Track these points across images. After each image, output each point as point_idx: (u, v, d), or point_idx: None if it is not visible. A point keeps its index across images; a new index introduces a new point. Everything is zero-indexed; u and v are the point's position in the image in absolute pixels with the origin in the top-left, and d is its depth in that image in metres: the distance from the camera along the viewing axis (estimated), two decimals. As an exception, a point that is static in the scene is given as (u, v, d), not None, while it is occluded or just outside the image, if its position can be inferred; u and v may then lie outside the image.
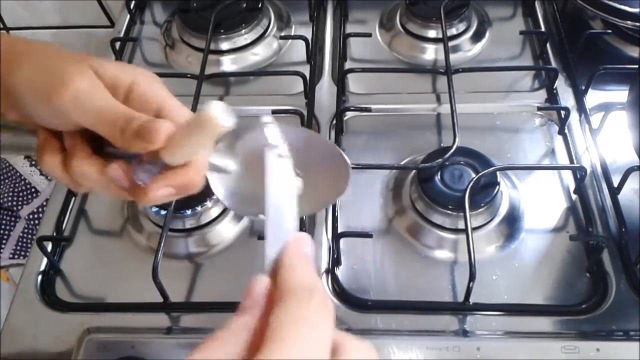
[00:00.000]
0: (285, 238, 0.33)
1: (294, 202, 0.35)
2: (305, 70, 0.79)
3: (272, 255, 0.32)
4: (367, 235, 0.62)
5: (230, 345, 0.27)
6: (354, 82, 0.81)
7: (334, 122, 0.75)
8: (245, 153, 0.40)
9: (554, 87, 0.77)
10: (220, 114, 0.34)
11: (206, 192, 0.65)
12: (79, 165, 0.38)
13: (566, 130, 0.73)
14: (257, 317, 0.28)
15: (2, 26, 1.10)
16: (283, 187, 0.36)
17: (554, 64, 0.81)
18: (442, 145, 0.71)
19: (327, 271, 0.62)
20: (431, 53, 0.85)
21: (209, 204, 0.65)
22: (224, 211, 0.66)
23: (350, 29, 0.88)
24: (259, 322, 0.28)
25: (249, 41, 0.86)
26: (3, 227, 0.99)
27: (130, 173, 0.38)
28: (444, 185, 0.64)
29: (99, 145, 0.39)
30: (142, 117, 0.36)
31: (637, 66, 0.69)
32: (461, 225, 0.61)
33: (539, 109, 0.76)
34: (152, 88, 0.39)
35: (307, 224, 0.64)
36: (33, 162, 1.01)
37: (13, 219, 1.00)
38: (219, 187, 0.41)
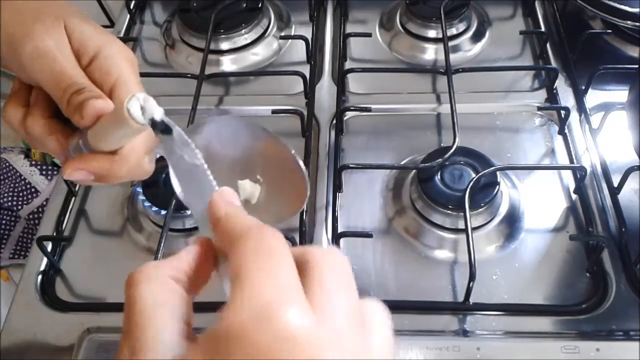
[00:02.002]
0: (207, 199, 0.32)
1: (205, 168, 0.33)
2: (305, 70, 0.79)
3: (202, 220, 0.31)
4: (367, 235, 0.62)
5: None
6: (354, 82, 0.81)
7: (334, 122, 0.75)
8: (205, 147, 0.38)
9: (554, 87, 0.77)
10: (136, 110, 0.31)
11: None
12: (31, 125, 0.38)
13: (566, 130, 0.73)
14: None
15: (2, 26, 1.10)
16: (186, 160, 0.34)
17: (554, 64, 0.81)
18: (442, 145, 0.71)
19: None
20: (431, 53, 0.85)
21: (209, 204, 0.65)
22: (224, 211, 0.66)
23: (350, 28, 0.88)
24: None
25: (249, 41, 0.86)
26: (3, 227, 0.99)
27: (64, 148, 0.37)
28: (444, 185, 0.64)
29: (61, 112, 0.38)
30: (91, 91, 0.35)
31: (637, 66, 0.68)
32: (461, 225, 0.61)
33: (539, 108, 0.76)
34: (116, 61, 0.38)
35: (307, 224, 0.64)
36: (33, 162, 1.01)
37: (13, 219, 1.00)
38: (177, 177, 0.39)
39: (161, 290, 0.27)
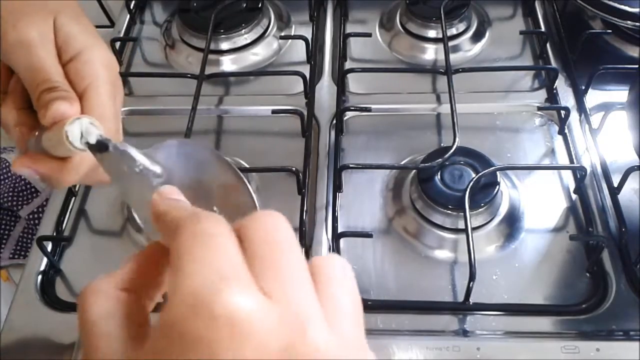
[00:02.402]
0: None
1: (148, 174, 0.33)
2: (305, 70, 0.79)
3: (148, 225, 0.31)
4: (367, 235, 0.62)
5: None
6: (354, 82, 0.81)
7: (334, 122, 0.75)
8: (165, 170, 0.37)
9: (554, 87, 0.77)
10: (75, 134, 0.32)
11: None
12: (5, 112, 0.38)
13: (566, 130, 0.73)
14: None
15: (2, 26, 1.10)
16: (126, 171, 0.33)
17: (554, 64, 0.81)
18: (442, 145, 0.71)
19: (327, 271, 0.62)
20: (431, 53, 0.85)
21: (209, 204, 0.65)
22: (224, 211, 0.66)
23: (350, 28, 0.88)
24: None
25: (249, 41, 0.86)
26: (3, 227, 0.99)
27: (25, 141, 0.37)
28: (444, 185, 0.64)
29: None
30: (62, 93, 0.35)
31: (637, 66, 0.68)
32: (461, 225, 0.61)
33: (539, 108, 0.76)
34: (94, 66, 0.38)
35: (307, 224, 0.64)
36: (33, 162, 1.01)
37: (13, 219, 1.00)
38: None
39: (106, 302, 0.27)
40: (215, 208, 0.35)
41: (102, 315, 0.27)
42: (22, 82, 0.38)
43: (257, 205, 0.36)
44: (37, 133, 0.36)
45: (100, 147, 0.32)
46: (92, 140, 0.32)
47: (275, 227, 0.25)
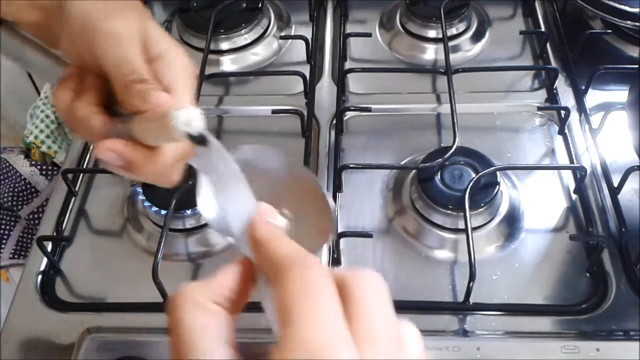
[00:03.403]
0: (247, 216, 0.31)
1: (244, 183, 0.33)
2: (305, 70, 0.79)
3: (241, 237, 0.31)
4: (367, 235, 0.62)
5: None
6: (354, 82, 0.81)
7: (334, 122, 0.75)
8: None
9: (554, 87, 0.77)
10: (181, 122, 0.32)
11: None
12: (77, 107, 0.39)
13: (566, 130, 0.73)
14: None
15: (2, 26, 1.10)
16: (224, 174, 0.34)
17: (554, 64, 0.81)
18: (442, 145, 0.71)
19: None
20: (431, 53, 0.85)
21: (209, 204, 0.65)
22: (224, 211, 0.66)
23: (350, 28, 0.88)
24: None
25: (249, 41, 0.86)
26: (3, 227, 0.99)
27: (108, 129, 0.38)
28: (444, 185, 0.64)
29: (111, 103, 0.40)
30: (152, 84, 0.37)
31: (637, 66, 0.68)
32: (461, 225, 0.61)
33: (539, 109, 0.76)
34: (173, 68, 0.39)
35: (307, 224, 0.64)
36: (33, 162, 1.01)
37: (13, 219, 1.00)
38: (206, 195, 0.38)
39: (203, 314, 0.28)
40: (285, 210, 0.36)
41: (196, 328, 0.27)
42: (96, 82, 0.39)
43: (334, 212, 0.37)
44: (119, 123, 0.37)
45: (200, 140, 0.33)
46: (194, 131, 0.32)
47: (383, 287, 0.27)
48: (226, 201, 0.34)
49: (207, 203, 0.38)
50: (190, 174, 0.38)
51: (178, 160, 0.38)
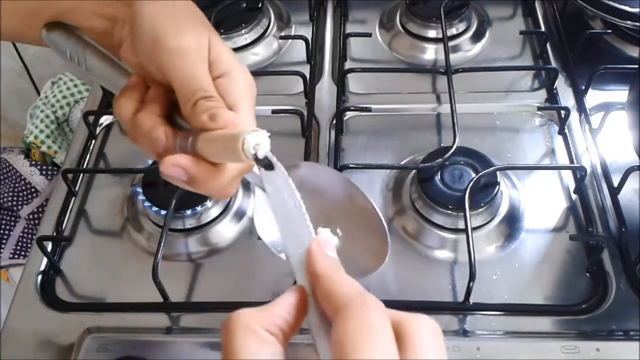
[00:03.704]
0: (305, 244, 0.32)
1: (303, 210, 0.34)
2: (305, 70, 0.79)
3: (298, 265, 0.32)
4: (367, 235, 0.62)
5: None
6: (354, 82, 0.81)
7: (334, 122, 0.75)
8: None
9: (554, 87, 0.77)
10: (250, 145, 0.32)
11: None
12: (142, 118, 0.38)
13: (566, 130, 0.73)
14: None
15: (2, 26, 1.10)
16: (285, 198, 0.34)
17: (554, 64, 0.81)
18: (442, 145, 0.71)
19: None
20: (431, 53, 0.85)
21: (209, 204, 0.65)
22: (224, 211, 0.66)
23: (350, 28, 0.88)
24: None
25: (249, 41, 0.86)
26: (3, 227, 0.99)
27: (171, 142, 0.38)
28: (444, 185, 0.64)
29: (173, 115, 0.40)
30: (220, 102, 0.37)
31: (637, 66, 0.68)
32: (461, 225, 0.61)
33: (539, 109, 0.76)
34: (240, 86, 0.40)
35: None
36: (33, 162, 1.01)
37: (13, 219, 1.00)
38: (261, 211, 0.39)
39: (255, 342, 0.29)
40: (338, 230, 0.37)
41: (248, 354, 0.28)
42: (160, 93, 0.39)
43: (386, 232, 0.38)
44: (183, 137, 0.37)
45: (267, 165, 0.34)
46: (261, 154, 0.33)
47: (437, 331, 0.29)
48: (284, 222, 0.34)
49: (264, 221, 0.39)
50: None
51: (239, 175, 0.38)
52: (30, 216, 0.98)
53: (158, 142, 0.38)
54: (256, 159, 0.33)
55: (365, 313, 0.28)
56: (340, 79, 0.79)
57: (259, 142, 0.33)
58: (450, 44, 0.81)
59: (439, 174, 0.65)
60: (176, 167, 0.36)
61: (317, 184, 0.39)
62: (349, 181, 0.40)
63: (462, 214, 0.60)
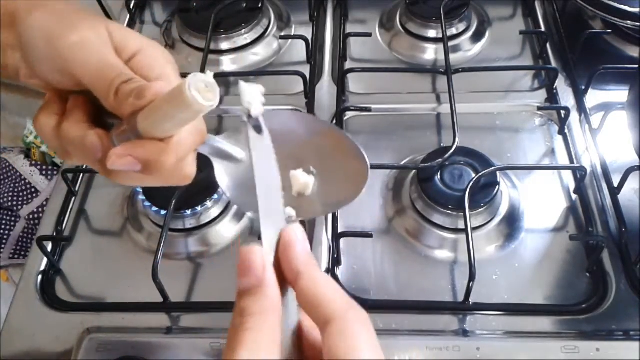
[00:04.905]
0: (279, 223, 0.32)
1: (279, 184, 0.34)
2: (305, 70, 0.79)
3: (270, 239, 0.31)
4: (367, 235, 0.62)
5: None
6: (354, 82, 0.81)
7: (334, 122, 0.75)
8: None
9: (554, 87, 0.77)
10: (198, 89, 0.30)
11: (207, 192, 0.65)
12: (68, 128, 0.36)
13: (566, 130, 0.73)
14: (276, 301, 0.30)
15: (2, 26, 1.10)
16: (269, 169, 0.34)
17: (554, 64, 0.81)
18: (442, 145, 0.71)
19: (327, 271, 0.62)
20: (431, 53, 0.85)
21: (209, 204, 0.65)
22: (224, 211, 0.66)
23: (350, 28, 0.88)
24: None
25: (249, 41, 0.86)
26: (3, 227, 0.99)
27: (107, 143, 0.35)
28: (444, 185, 0.64)
29: (100, 118, 0.37)
30: (140, 80, 0.35)
31: (637, 66, 0.68)
32: (461, 225, 0.61)
33: (539, 108, 0.76)
34: (158, 60, 0.38)
35: (307, 224, 0.64)
36: (33, 162, 1.01)
37: (13, 219, 1.00)
38: (224, 175, 0.38)
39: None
40: (312, 168, 0.37)
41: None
42: (80, 100, 0.37)
43: (360, 150, 0.38)
44: (120, 128, 0.35)
45: (257, 126, 0.32)
46: (255, 112, 0.32)
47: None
48: (266, 188, 0.33)
49: (225, 181, 0.38)
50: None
51: (193, 147, 0.36)
52: (30, 216, 0.98)
53: (94, 148, 0.35)
54: (249, 117, 0.32)
55: (348, 325, 0.30)
56: (340, 79, 0.79)
57: (204, 80, 0.30)
58: (450, 44, 0.81)
59: (439, 174, 0.65)
60: (125, 157, 0.34)
61: (282, 129, 0.37)
62: (312, 117, 0.39)
63: (462, 214, 0.60)
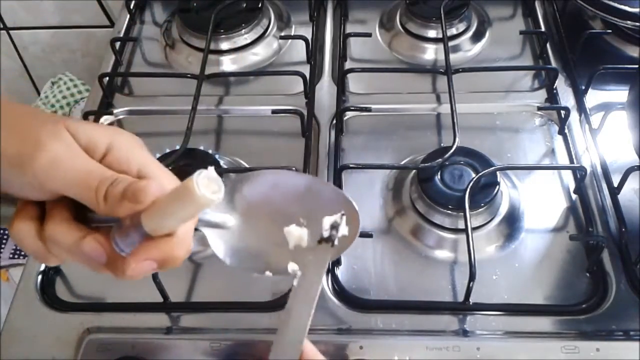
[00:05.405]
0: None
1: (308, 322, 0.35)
2: (305, 70, 0.79)
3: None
4: (367, 235, 0.62)
5: None
6: (354, 82, 0.81)
7: (334, 122, 0.75)
8: (244, 206, 0.39)
9: (554, 87, 0.77)
10: (204, 186, 0.31)
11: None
12: (53, 230, 0.34)
13: (566, 130, 0.73)
14: None
15: (2, 26, 1.10)
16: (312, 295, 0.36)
17: (554, 64, 0.81)
18: (442, 145, 0.71)
19: (327, 271, 0.62)
20: (431, 53, 0.85)
21: (209, 204, 0.65)
22: (224, 211, 0.66)
23: (350, 28, 0.88)
24: None
25: (249, 41, 0.86)
26: (3, 227, 0.99)
27: (109, 244, 0.34)
28: (444, 185, 0.64)
29: (81, 213, 0.36)
30: (126, 179, 0.34)
31: (637, 66, 0.68)
32: (461, 225, 0.61)
33: (539, 108, 0.76)
34: (133, 150, 0.36)
35: (307, 224, 0.64)
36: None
37: (13, 219, 1.00)
38: (219, 244, 0.39)
39: None
40: (301, 219, 0.38)
41: None
42: (58, 203, 0.35)
43: (347, 197, 0.40)
44: (120, 229, 0.34)
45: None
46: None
47: None
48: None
49: (221, 248, 0.39)
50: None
51: (191, 229, 0.36)
52: (30, 216, 0.98)
53: (97, 254, 0.34)
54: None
55: None
56: (340, 79, 0.79)
57: (212, 176, 0.31)
58: (450, 44, 0.81)
59: (439, 174, 0.65)
60: (144, 262, 0.34)
61: (266, 189, 0.39)
62: (293, 173, 0.40)
63: (462, 214, 0.60)
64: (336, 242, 0.38)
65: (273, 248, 0.39)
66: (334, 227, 0.39)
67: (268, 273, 0.37)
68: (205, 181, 0.31)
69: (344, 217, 0.39)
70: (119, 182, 0.33)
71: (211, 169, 0.31)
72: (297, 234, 0.39)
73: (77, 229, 0.35)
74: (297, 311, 0.35)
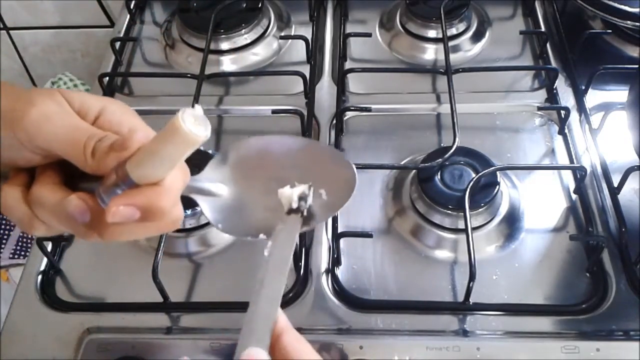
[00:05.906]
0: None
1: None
2: (305, 70, 0.79)
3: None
4: (367, 235, 0.62)
5: None
6: (354, 82, 0.81)
7: (334, 122, 0.75)
8: (237, 173, 0.39)
9: (554, 87, 0.77)
10: (190, 124, 0.30)
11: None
12: (39, 190, 0.34)
13: (566, 130, 0.73)
14: None
15: (2, 26, 1.10)
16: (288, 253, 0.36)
17: (554, 64, 0.81)
18: (442, 145, 0.71)
19: (327, 271, 0.62)
20: (431, 53, 0.85)
21: (209, 204, 0.65)
22: (224, 211, 0.66)
23: (350, 28, 0.88)
24: None
25: (249, 41, 0.86)
26: (3, 227, 0.99)
27: (94, 202, 0.34)
28: (444, 185, 0.64)
29: (70, 181, 0.36)
30: (114, 136, 0.34)
31: (637, 66, 0.68)
32: (461, 225, 0.61)
33: (539, 108, 0.76)
34: (125, 114, 0.37)
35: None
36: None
37: (13, 219, 1.00)
38: (211, 210, 0.39)
39: None
40: (296, 182, 0.38)
41: None
42: (48, 166, 0.36)
43: (343, 157, 0.40)
44: (105, 183, 0.33)
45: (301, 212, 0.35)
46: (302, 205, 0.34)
47: None
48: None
49: (213, 216, 0.39)
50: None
51: (182, 187, 0.36)
52: (30, 216, 0.98)
53: (80, 211, 0.33)
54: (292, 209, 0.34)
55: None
56: (340, 79, 0.79)
57: (197, 114, 0.30)
58: (450, 44, 0.81)
59: (439, 174, 0.65)
60: (127, 207, 0.32)
61: (258, 156, 0.40)
62: (289, 137, 0.41)
63: (462, 214, 0.60)
64: (305, 213, 0.38)
65: (267, 213, 0.38)
66: (302, 198, 0.38)
67: (262, 236, 0.37)
68: (192, 119, 0.30)
69: (312, 188, 0.38)
70: (107, 137, 0.34)
71: (197, 106, 0.30)
72: (287, 194, 0.39)
73: (62, 190, 0.35)
74: (269, 281, 0.35)
